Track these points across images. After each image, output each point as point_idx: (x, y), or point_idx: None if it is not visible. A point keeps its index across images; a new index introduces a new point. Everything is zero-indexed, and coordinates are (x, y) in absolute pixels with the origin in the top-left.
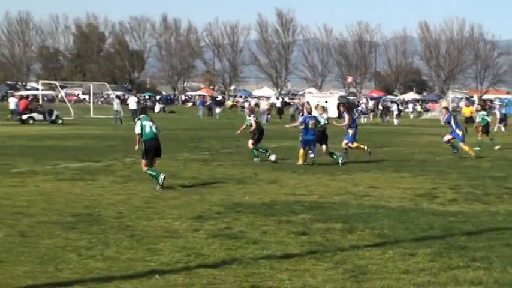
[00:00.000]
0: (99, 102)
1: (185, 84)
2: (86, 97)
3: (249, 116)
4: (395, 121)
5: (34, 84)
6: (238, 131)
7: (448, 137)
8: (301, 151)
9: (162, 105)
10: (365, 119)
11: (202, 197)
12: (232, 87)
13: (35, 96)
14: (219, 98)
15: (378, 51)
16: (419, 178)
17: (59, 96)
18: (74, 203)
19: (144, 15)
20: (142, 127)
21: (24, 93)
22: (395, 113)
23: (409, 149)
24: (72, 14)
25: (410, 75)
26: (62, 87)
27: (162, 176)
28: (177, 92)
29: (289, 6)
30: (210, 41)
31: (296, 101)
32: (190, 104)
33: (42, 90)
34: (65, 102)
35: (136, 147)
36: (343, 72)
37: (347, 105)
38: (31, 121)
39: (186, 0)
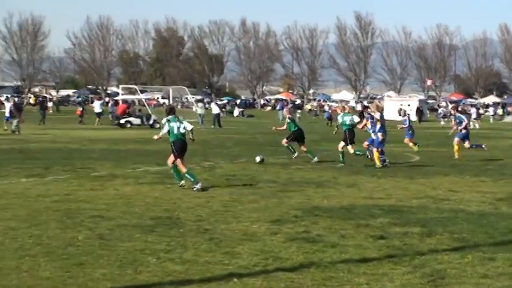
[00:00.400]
0: (179, 106)
1: (264, 88)
2: (166, 101)
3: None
4: (476, 125)
5: (114, 89)
6: (276, 128)
7: None
8: (376, 153)
9: (241, 109)
10: (443, 122)
11: (281, 201)
12: (310, 91)
13: (133, 101)
14: (297, 101)
15: (458, 54)
16: (499, 182)
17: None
18: (154, 206)
19: (223, 19)
20: (171, 128)
21: (122, 97)
22: (474, 116)
23: (488, 152)
24: (152, 18)
25: (490, 78)
26: (142, 92)
27: (182, 182)
28: (255, 96)
29: (367, 9)
30: (289, 44)
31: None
32: (269, 108)
33: (122, 94)
34: (145, 107)
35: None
36: (422, 75)
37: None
38: (128, 125)
39: (265, 4)
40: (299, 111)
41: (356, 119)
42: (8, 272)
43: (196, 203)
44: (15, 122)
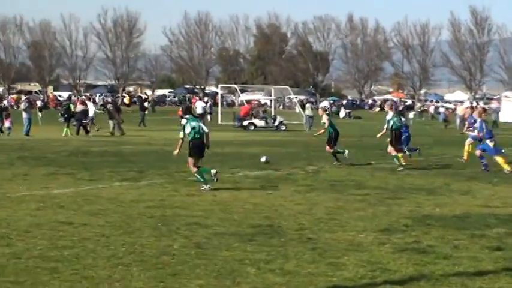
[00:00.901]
0: (281, 107)
1: (372, 87)
2: (268, 101)
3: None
4: None
5: (213, 88)
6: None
7: None
8: (501, 158)
9: (348, 111)
10: None
11: (389, 209)
12: (422, 91)
13: (259, 101)
14: (408, 102)
15: None
16: None
17: (239, 100)
18: (253, 213)
19: (329, 14)
20: (192, 128)
21: (245, 97)
22: None
23: None
24: (253, 14)
25: None
26: (242, 91)
27: (213, 171)
28: (363, 96)
29: (484, 3)
30: (399, 41)
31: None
32: (377, 109)
33: (221, 94)
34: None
35: (176, 151)
36: None
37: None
38: (252, 127)
39: None
40: (412, 112)
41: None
42: (99, 282)
43: (299, 210)
44: (112, 123)
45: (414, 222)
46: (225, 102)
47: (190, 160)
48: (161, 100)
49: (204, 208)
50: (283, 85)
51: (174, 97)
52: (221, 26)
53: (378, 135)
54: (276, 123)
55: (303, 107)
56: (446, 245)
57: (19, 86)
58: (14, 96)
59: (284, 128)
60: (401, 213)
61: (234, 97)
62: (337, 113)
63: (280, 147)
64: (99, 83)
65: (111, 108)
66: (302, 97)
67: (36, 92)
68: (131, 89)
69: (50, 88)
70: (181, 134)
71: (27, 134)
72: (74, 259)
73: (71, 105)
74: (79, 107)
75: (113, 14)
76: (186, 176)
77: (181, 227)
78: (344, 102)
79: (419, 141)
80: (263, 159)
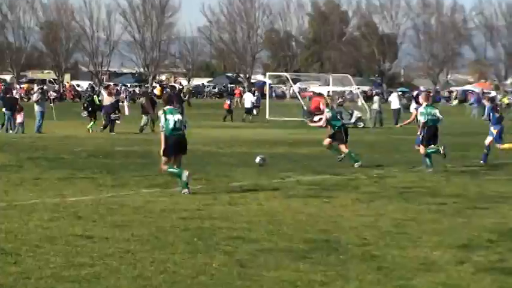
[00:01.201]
0: (340, 99)
1: (448, 76)
2: (324, 92)
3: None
4: None
5: (260, 77)
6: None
7: None
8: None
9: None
10: None
11: (469, 221)
12: (508, 81)
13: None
14: (492, 94)
15: None
16: None
17: (290, 91)
18: (307, 225)
19: None
20: (166, 122)
21: (315, 89)
22: None
23: None
24: None
25: None
26: (294, 81)
27: (186, 174)
28: (438, 87)
29: None
30: (481, 22)
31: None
32: (455, 102)
33: (272, 84)
34: (298, 99)
35: (162, 148)
36: None
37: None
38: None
39: None
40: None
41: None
42: None
43: (361, 222)
44: (145, 118)
45: (499, 237)
46: (273, 94)
47: (163, 159)
48: (198, 91)
49: (248, 219)
50: (343, 73)
51: (214, 87)
52: (270, 4)
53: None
54: (353, 120)
55: (366, 99)
56: None
57: (30, 74)
58: (25, 85)
59: (362, 125)
60: (483, 226)
61: (284, 88)
62: (408, 107)
63: None
64: (125, 70)
65: (143, 101)
66: (366, 88)
67: (50, 81)
68: (163, 77)
69: (67, 77)
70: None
71: (39, 130)
72: (93, 279)
73: (95, 97)
74: (107, 99)
75: None
76: (228, 181)
77: (221, 242)
78: (415, 93)
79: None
80: (257, 159)
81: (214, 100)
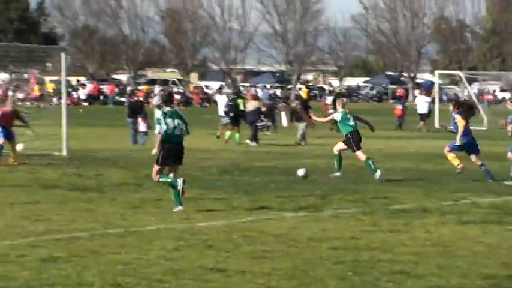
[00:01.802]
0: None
1: None
2: (507, 95)
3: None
4: None
5: (427, 76)
6: None
7: None
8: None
9: None
10: None
11: None
12: None
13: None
14: None
15: None
16: None
17: (465, 93)
18: (486, 258)
19: None
20: (166, 125)
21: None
22: None
23: None
24: None
25: None
26: (470, 81)
27: (180, 181)
28: None
29: None
30: None
31: None
32: None
33: (442, 85)
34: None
35: (154, 151)
36: None
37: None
38: None
39: None
40: None
41: None
42: None
43: None
44: (302, 126)
45: None
46: (444, 97)
47: (156, 168)
48: (353, 93)
49: (414, 250)
50: None
51: (371, 89)
52: None
53: None
54: None
55: None
56: None
57: (150, 73)
58: (144, 87)
59: None
60: None
61: (458, 89)
62: None
63: None
64: (264, 68)
65: (298, 106)
66: None
67: (173, 82)
68: (309, 77)
69: (195, 76)
70: (157, 129)
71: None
72: None
73: (239, 100)
74: (251, 104)
75: None
76: (388, 203)
77: (381, 278)
78: None
79: None
80: (301, 172)
81: (371, 104)
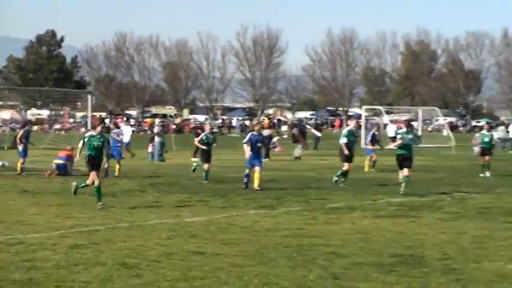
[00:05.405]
0: (428, 130)
1: None
2: (415, 123)
3: None
4: None
5: (357, 110)
6: None
7: None
8: None
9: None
10: None
11: None
12: None
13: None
14: None
15: None
16: None
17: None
18: (394, 242)
19: (482, 29)
20: (90, 145)
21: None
22: None
23: None
24: (401, 30)
25: None
26: (388, 113)
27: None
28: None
29: None
30: None
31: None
32: None
33: (367, 116)
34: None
35: (76, 159)
36: None
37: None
38: None
39: None
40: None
41: None
42: None
43: (443, 239)
44: (299, 147)
45: None
46: (369, 125)
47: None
48: (302, 123)
49: (342, 237)
50: (432, 106)
51: (316, 119)
52: (367, 44)
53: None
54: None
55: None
56: None
57: (154, 109)
58: (148, 120)
59: None
60: None
61: (378, 119)
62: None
63: (424, 172)
64: (237, 105)
65: (296, 132)
66: (452, 119)
67: (171, 116)
68: (270, 111)
69: (186, 111)
70: (80, 144)
71: (159, 159)
72: None
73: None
74: (265, 132)
75: (253, 32)
76: (325, 203)
77: (318, 257)
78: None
79: None
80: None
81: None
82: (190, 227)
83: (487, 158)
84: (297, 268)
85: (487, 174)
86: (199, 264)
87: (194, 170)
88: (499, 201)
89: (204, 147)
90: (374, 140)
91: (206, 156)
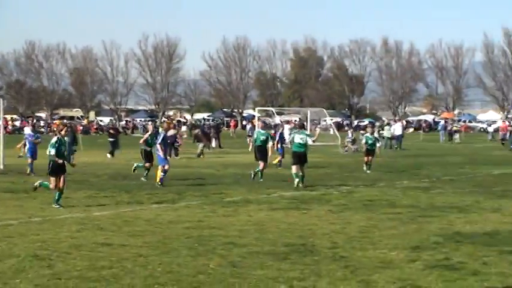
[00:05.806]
0: (317, 129)
1: (406, 109)
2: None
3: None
4: None
5: (250, 111)
6: None
7: None
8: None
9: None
10: None
11: (420, 226)
12: (455, 111)
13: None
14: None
15: None
16: None
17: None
18: (287, 232)
19: (364, 38)
20: (58, 150)
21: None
22: None
23: None
24: (290, 38)
25: None
26: (279, 114)
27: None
28: (397, 117)
29: None
30: (433, 63)
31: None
32: (411, 130)
33: (260, 117)
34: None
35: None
36: None
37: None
38: None
39: (408, 22)
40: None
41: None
42: None
43: (332, 229)
44: (200, 146)
45: (444, 240)
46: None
47: (52, 179)
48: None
49: (239, 228)
50: (319, 107)
51: (212, 120)
52: (259, 51)
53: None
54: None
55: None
56: (476, 261)
57: (62, 112)
58: (56, 122)
59: None
60: (431, 231)
61: (270, 120)
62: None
63: (315, 168)
64: (140, 108)
65: (198, 132)
66: (338, 119)
67: (78, 118)
68: (170, 113)
69: (92, 114)
70: (52, 152)
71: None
72: (112, 279)
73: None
74: (170, 132)
75: (154, 40)
76: (223, 197)
77: (217, 247)
78: (377, 123)
79: (454, 160)
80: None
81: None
82: (98, 221)
83: (370, 157)
84: (198, 257)
85: (368, 171)
86: (106, 255)
87: (134, 170)
88: (382, 195)
89: (148, 148)
90: (282, 139)
91: (149, 156)
